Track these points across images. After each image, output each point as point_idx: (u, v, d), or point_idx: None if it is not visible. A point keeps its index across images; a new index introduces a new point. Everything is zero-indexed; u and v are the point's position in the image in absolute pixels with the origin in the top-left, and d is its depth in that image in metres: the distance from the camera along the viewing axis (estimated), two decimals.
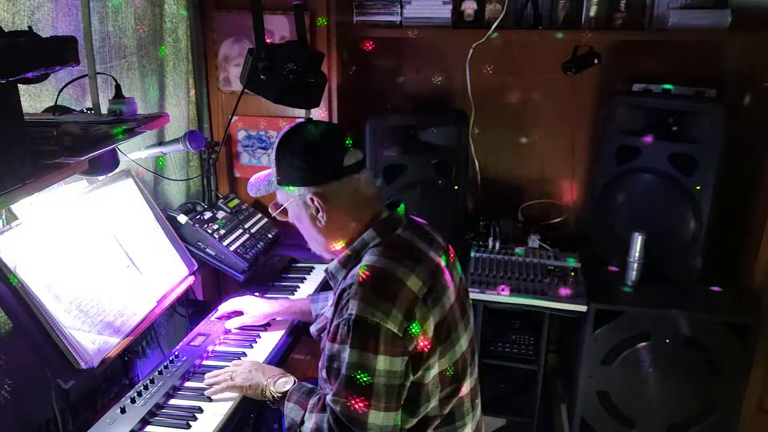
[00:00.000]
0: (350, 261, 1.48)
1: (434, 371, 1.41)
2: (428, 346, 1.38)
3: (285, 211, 1.56)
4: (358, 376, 1.32)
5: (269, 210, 1.60)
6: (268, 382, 1.60)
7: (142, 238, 1.95)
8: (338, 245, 1.53)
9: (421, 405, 1.42)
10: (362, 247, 1.47)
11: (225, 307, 2.04)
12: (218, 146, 2.51)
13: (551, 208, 2.97)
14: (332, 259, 1.55)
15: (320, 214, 1.48)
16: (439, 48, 2.85)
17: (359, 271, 1.39)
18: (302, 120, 1.58)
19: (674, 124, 2.49)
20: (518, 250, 2.68)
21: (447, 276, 1.49)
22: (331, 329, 1.40)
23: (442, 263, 1.50)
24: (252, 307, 2.00)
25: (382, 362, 1.31)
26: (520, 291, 2.43)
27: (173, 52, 2.40)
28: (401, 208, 1.55)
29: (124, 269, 1.81)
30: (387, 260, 1.40)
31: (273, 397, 1.57)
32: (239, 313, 2.02)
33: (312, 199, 1.47)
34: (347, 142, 1.49)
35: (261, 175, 1.60)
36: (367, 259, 1.42)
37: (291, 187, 1.50)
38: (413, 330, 1.34)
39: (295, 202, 1.51)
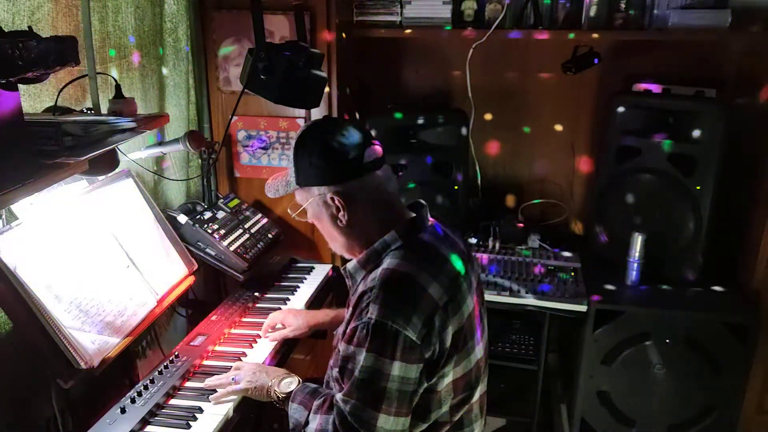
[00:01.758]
0: (370, 262, 1.45)
1: (448, 379, 1.40)
2: (445, 355, 1.36)
3: (304, 212, 1.53)
4: (372, 380, 1.30)
5: (288, 211, 1.56)
6: (273, 383, 1.59)
7: (142, 238, 1.95)
8: (359, 245, 1.49)
9: (432, 411, 1.42)
10: (383, 249, 1.43)
11: (269, 321, 1.97)
12: (218, 146, 2.51)
13: (551, 208, 2.97)
14: (349, 258, 1.52)
15: (341, 213, 1.44)
16: (439, 48, 2.85)
17: (381, 274, 1.36)
18: (319, 118, 1.55)
19: (674, 125, 2.49)
20: (521, 249, 2.68)
21: (467, 284, 1.47)
22: (348, 330, 1.38)
23: (464, 270, 1.47)
24: (294, 319, 1.94)
25: (397, 368, 1.30)
26: (520, 291, 2.43)
27: (173, 52, 2.40)
28: (424, 212, 1.52)
29: (124, 269, 1.81)
30: (409, 265, 1.37)
31: (278, 397, 1.56)
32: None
33: (332, 199, 1.43)
34: (367, 138, 1.46)
35: (279, 176, 1.56)
36: (389, 262, 1.39)
37: (310, 187, 1.46)
38: (431, 338, 1.33)
39: (315, 202, 1.47)
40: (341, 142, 1.44)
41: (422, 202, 1.56)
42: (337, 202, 1.43)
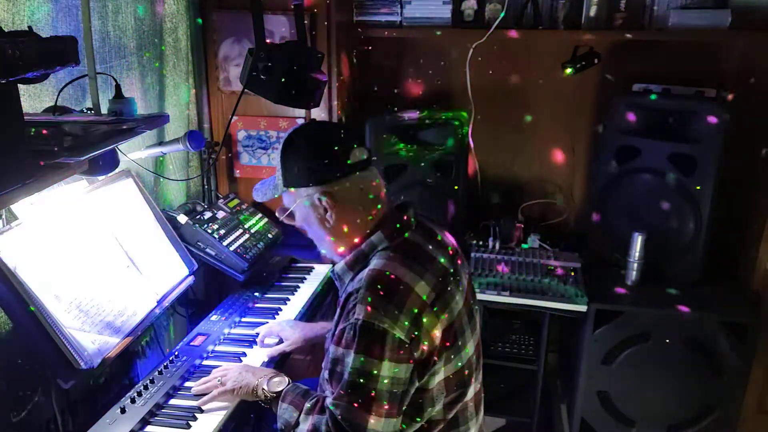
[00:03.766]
0: (358, 263, 1.46)
1: (440, 377, 1.40)
2: (435, 353, 1.37)
3: (292, 215, 1.54)
4: (362, 381, 1.30)
5: (276, 214, 1.57)
6: (260, 381, 1.58)
7: (142, 238, 1.95)
8: (347, 246, 1.50)
9: (425, 410, 1.42)
10: (370, 250, 1.44)
11: (263, 330, 1.96)
12: (218, 146, 2.51)
13: (551, 208, 2.97)
14: (338, 261, 1.52)
15: (328, 214, 1.46)
16: (439, 48, 2.85)
17: (367, 275, 1.37)
18: (305, 121, 1.56)
19: (674, 124, 2.49)
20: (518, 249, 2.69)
21: (456, 282, 1.47)
22: (336, 332, 1.38)
23: (452, 268, 1.48)
24: (291, 332, 1.93)
25: (386, 368, 1.30)
26: (520, 291, 2.43)
27: (173, 52, 2.40)
28: (410, 212, 1.52)
29: (124, 269, 1.81)
30: (395, 265, 1.38)
31: (266, 396, 1.55)
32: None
33: (320, 200, 1.45)
34: (352, 140, 1.47)
35: (267, 180, 1.57)
36: (375, 263, 1.40)
37: (298, 189, 1.48)
38: (420, 337, 1.33)
39: (302, 204, 1.49)
40: (327, 143, 1.46)
41: (409, 201, 1.56)
42: (324, 203, 1.45)
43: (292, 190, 1.49)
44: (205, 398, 1.61)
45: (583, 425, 2.54)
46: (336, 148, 1.45)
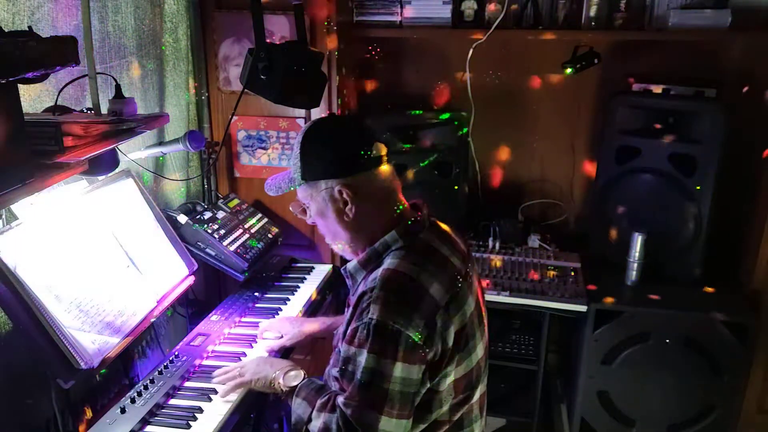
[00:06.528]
0: (371, 262, 1.45)
1: (450, 379, 1.40)
2: (447, 355, 1.36)
3: (305, 211, 1.53)
4: (374, 381, 1.29)
5: (291, 208, 1.56)
6: (277, 374, 1.58)
7: (142, 238, 1.95)
8: (363, 242, 1.48)
9: (433, 411, 1.42)
10: (384, 249, 1.43)
11: (264, 326, 1.97)
12: (218, 146, 2.51)
13: (551, 208, 2.97)
14: (350, 258, 1.52)
15: (348, 207, 1.44)
16: (439, 48, 2.85)
17: (381, 274, 1.36)
18: (325, 115, 1.56)
19: (674, 124, 2.49)
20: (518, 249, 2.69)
21: (468, 283, 1.46)
22: (349, 331, 1.37)
23: (464, 269, 1.47)
24: (290, 327, 1.93)
25: (399, 369, 1.29)
26: (520, 291, 2.43)
27: (173, 52, 2.40)
28: (425, 211, 1.52)
29: (124, 269, 1.81)
30: (410, 265, 1.37)
31: (281, 390, 1.55)
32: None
33: (341, 192, 1.43)
34: (372, 134, 1.47)
35: (279, 175, 1.56)
36: (390, 262, 1.39)
37: (317, 182, 1.46)
38: (434, 338, 1.32)
39: (321, 197, 1.46)
40: (349, 135, 1.46)
41: (423, 201, 1.55)
42: (345, 195, 1.43)
43: (310, 183, 1.47)
44: (224, 388, 1.63)
45: (583, 425, 2.54)
46: (356, 140, 1.44)
